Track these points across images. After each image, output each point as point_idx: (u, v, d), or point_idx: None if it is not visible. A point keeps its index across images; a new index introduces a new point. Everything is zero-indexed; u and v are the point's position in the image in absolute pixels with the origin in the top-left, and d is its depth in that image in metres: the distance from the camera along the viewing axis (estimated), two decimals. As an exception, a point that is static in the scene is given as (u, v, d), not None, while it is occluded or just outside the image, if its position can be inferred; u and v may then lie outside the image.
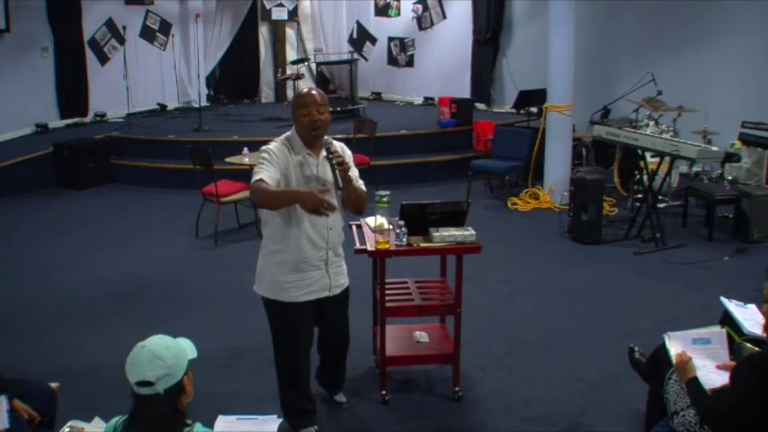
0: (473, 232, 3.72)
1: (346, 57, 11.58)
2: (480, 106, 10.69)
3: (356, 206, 3.38)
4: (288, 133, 3.36)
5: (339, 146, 3.43)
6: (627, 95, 8.09)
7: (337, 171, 3.19)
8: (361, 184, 3.42)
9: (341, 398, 3.92)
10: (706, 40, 8.42)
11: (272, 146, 3.27)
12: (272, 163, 3.19)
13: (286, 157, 3.24)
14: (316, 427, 3.54)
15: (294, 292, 3.32)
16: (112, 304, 5.26)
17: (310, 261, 3.30)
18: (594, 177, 6.47)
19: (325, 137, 3.31)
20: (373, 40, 12.16)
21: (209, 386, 3.89)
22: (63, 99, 9.86)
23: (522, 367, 4.27)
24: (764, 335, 2.87)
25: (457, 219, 3.77)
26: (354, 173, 3.39)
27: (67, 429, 2.85)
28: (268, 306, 3.41)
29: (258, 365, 4.27)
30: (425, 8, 11.44)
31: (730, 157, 7.05)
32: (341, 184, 3.21)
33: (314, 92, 3.29)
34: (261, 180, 3.10)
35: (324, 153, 3.27)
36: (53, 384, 3.24)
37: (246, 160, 6.85)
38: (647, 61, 8.40)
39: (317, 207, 2.94)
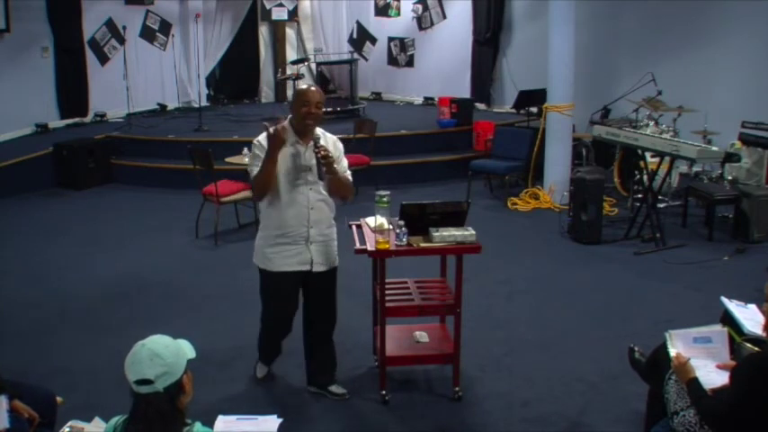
0: (473, 232, 3.72)
1: (346, 57, 11.57)
2: (480, 106, 10.68)
3: (341, 194, 3.77)
4: (283, 123, 3.67)
5: (332, 139, 3.80)
6: (627, 95, 8.09)
7: (322, 164, 3.56)
8: (348, 174, 3.79)
9: (338, 389, 3.94)
10: (706, 40, 8.42)
11: (261, 137, 3.64)
12: (260, 152, 3.62)
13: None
14: (269, 368, 4.14)
15: (277, 262, 3.71)
16: (112, 304, 5.26)
17: (290, 236, 3.67)
18: (594, 177, 6.47)
19: (318, 130, 3.68)
20: (373, 40, 12.16)
21: (209, 386, 3.89)
22: (63, 99, 9.85)
23: (522, 367, 4.27)
24: (765, 335, 2.87)
25: (457, 219, 3.77)
26: (344, 164, 3.78)
27: (67, 429, 2.85)
28: (259, 274, 3.83)
29: (258, 365, 4.27)
30: (425, 8, 11.44)
31: (730, 157, 7.05)
32: (322, 177, 3.62)
33: (314, 89, 3.69)
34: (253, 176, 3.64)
35: (312, 144, 3.63)
36: (58, 399, 3.23)
37: (246, 160, 6.83)
38: (647, 61, 8.40)
39: (281, 137, 3.51)
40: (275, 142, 3.53)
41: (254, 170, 3.62)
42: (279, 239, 3.67)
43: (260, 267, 3.80)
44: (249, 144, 7.51)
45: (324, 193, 3.69)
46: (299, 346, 4.60)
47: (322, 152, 3.53)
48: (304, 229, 3.66)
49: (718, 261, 6.01)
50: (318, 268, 3.74)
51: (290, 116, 3.71)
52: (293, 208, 3.63)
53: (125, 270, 5.94)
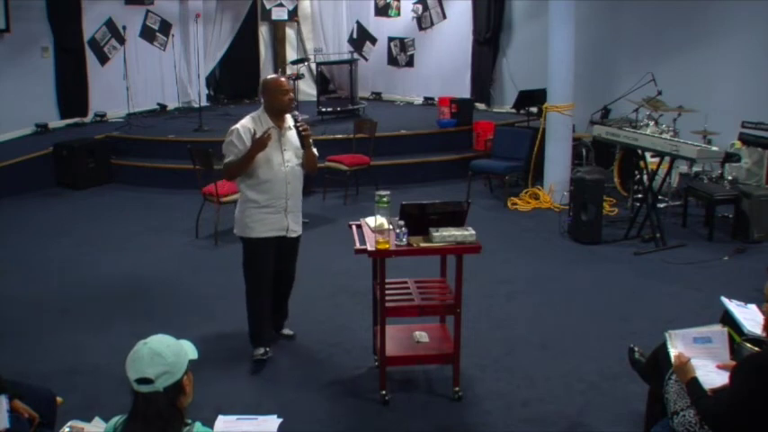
0: (473, 232, 3.72)
1: (346, 57, 11.57)
2: (480, 106, 10.69)
3: (312, 165, 4.36)
4: (257, 112, 4.22)
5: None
6: (627, 95, 8.09)
7: (302, 135, 4.21)
8: (314, 149, 4.35)
9: (288, 331, 4.64)
10: (706, 40, 8.42)
11: (239, 125, 4.15)
12: (238, 142, 4.11)
13: (254, 131, 4.10)
14: (267, 349, 4.33)
15: (257, 229, 4.20)
16: (112, 304, 5.26)
17: (273, 206, 4.19)
18: (594, 177, 6.47)
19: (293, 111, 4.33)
20: (373, 40, 12.15)
21: (209, 386, 3.89)
22: (63, 99, 9.84)
23: (522, 367, 4.27)
24: (764, 335, 2.87)
25: (457, 219, 3.77)
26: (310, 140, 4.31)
27: (67, 429, 2.84)
28: (242, 243, 4.31)
29: (258, 365, 4.27)
30: (425, 8, 11.44)
31: (730, 157, 7.05)
32: (304, 146, 4.23)
33: (283, 78, 4.29)
34: (228, 161, 4.17)
35: (291, 122, 4.25)
36: (58, 399, 3.23)
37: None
38: (647, 61, 8.40)
39: (265, 143, 4.03)
40: (258, 147, 4.04)
41: (230, 157, 4.14)
42: (262, 210, 4.19)
43: (242, 236, 4.28)
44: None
45: (297, 169, 4.26)
46: (298, 346, 4.61)
47: (302, 126, 4.21)
48: (283, 201, 4.21)
49: (718, 261, 6.01)
50: (291, 234, 4.31)
51: (261, 107, 4.22)
52: (275, 185, 4.18)
53: (125, 270, 5.94)
